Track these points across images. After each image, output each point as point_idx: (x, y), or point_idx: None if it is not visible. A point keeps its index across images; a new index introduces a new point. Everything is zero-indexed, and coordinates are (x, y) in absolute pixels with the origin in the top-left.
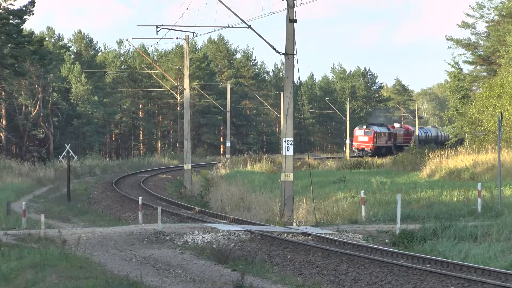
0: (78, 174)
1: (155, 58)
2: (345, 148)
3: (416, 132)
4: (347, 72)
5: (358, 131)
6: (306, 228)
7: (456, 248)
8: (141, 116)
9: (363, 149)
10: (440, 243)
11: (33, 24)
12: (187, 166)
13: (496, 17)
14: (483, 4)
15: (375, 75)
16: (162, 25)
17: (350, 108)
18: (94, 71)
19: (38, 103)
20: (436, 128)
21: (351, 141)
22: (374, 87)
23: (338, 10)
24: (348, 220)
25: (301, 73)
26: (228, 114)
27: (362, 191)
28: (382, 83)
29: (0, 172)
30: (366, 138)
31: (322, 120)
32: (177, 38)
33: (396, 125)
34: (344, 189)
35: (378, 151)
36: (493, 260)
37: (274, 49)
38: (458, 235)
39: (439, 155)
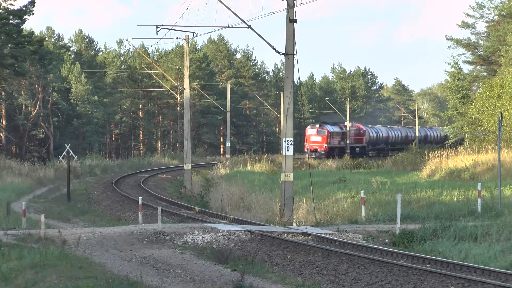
0: (78, 174)
1: (155, 58)
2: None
3: (417, 132)
4: (347, 72)
5: (310, 131)
6: (306, 228)
7: (456, 248)
8: (141, 116)
9: (315, 150)
10: (440, 243)
11: (33, 24)
12: (187, 166)
13: (496, 17)
14: (483, 4)
15: (375, 75)
16: (162, 25)
17: (350, 108)
18: (94, 71)
19: (38, 103)
20: (387, 128)
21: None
22: (374, 87)
23: (338, 10)
24: (348, 220)
25: (301, 73)
26: (228, 114)
27: (362, 191)
28: (382, 83)
29: (0, 172)
30: (319, 138)
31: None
32: (177, 38)
33: (348, 123)
34: (344, 189)
35: (331, 152)
36: (493, 260)
37: (274, 49)
38: (458, 235)
39: (439, 155)
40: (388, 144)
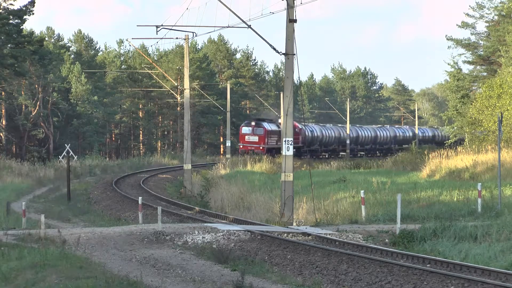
0: (78, 174)
1: (155, 58)
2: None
3: (417, 131)
4: (347, 72)
5: (245, 129)
6: (306, 228)
7: (456, 248)
8: (141, 116)
9: (252, 151)
10: (440, 243)
11: (33, 24)
12: (187, 166)
13: (496, 17)
14: (483, 4)
15: (375, 75)
16: (162, 25)
17: (350, 108)
18: (94, 71)
19: (38, 103)
20: (321, 126)
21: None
22: (374, 87)
23: (338, 10)
24: (348, 220)
25: (301, 73)
26: (228, 114)
27: (362, 191)
28: (382, 83)
29: (0, 172)
30: (255, 138)
31: (322, 120)
32: (177, 38)
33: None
34: (344, 189)
35: (269, 154)
36: (493, 260)
37: (274, 49)
38: (458, 235)
39: (438, 155)
40: (322, 145)
